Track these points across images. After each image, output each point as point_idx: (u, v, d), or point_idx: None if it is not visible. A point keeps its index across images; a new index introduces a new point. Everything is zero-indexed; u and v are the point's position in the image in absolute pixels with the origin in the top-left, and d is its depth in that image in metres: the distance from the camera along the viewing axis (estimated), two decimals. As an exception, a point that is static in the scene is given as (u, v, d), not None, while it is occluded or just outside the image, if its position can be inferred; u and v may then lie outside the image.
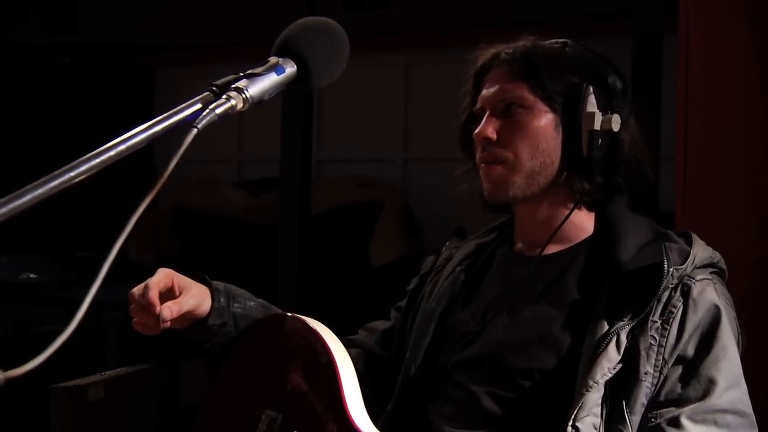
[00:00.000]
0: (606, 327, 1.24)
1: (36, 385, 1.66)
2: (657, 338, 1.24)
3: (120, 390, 2.55)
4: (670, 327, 1.24)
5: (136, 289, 1.31)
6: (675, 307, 1.25)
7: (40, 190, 0.71)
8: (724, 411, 1.21)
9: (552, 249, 1.40)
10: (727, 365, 1.23)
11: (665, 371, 1.23)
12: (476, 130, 1.37)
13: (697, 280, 1.27)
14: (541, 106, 1.35)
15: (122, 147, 0.77)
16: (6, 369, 0.67)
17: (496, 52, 1.40)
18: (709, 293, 1.27)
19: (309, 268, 3.73)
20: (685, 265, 1.26)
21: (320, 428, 1.24)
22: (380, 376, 1.49)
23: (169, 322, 1.30)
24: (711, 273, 1.31)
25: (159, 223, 4.90)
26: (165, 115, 0.83)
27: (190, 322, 1.37)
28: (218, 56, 5.17)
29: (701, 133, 2.02)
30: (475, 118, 1.41)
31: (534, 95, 1.35)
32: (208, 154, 4.25)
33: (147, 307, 1.28)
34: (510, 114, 1.36)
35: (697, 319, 1.25)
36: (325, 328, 1.31)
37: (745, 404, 1.24)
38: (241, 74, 0.93)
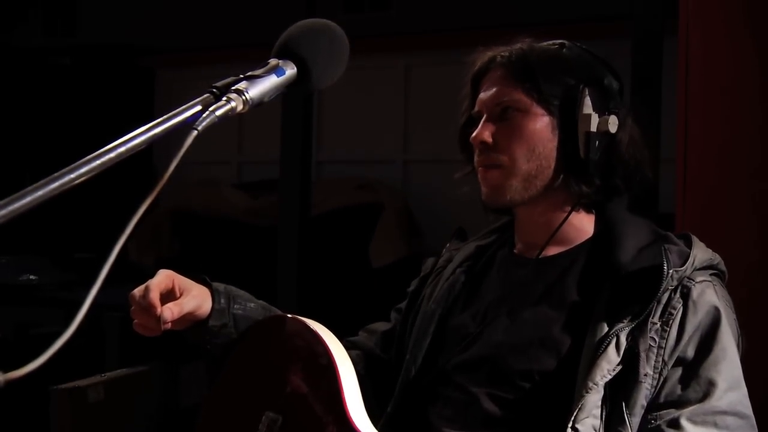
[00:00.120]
0: (606, 329, 1.24)
1: (36, 387, 1.66)
2: (657, 340, 1.24)
3: (120, 391, 2.55)
4: (670, 329, 1.24)
5: (137, 291, 1.31)
6: (675, 308, 1.25)
7: (40, 192, 0.71)
8: (724, 413, 1.21)
9: (552, 251, 1.40)
10: (727, 367, 1.23)
11: (665, 373, 1.23)
12: (473, 134, 1.38)
13: (696, 282, 1.27)
14: (537, 109, 1.35)
15: (122, 149, 0.77)
16: (6, 370, 0.67)
17: (493, 55, 1.40)
18: (708, 295, 1.27)
19: (309, 270, 3.73)
20: (684, 266, 1.26)
21: (320, 430, 1.24)
22: (380, 377, 1.49)
23: (169, 324, 1.30)
24: (711, 275, 1.31)
25: (159, 225, 4.90)
26: (165, 116, 0.83)
27: (190, 323, 1.37)
28: (218, 58, 5.18)
29: (701, 135, 2.02)
30: (473, 121, 1.41)
31: (530, 98, 1.35)
32: (208, 155, 4.26)
33: (147, 308, 1.28)
34: (506, 117, 1.36)
35: (696, 320, 1.25)
36: (326, 329, 1.31)
37: (745, 406, 1.24)
38: (241, 76, 0.93)
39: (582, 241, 1.40)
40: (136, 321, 1.32)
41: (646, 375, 1.23)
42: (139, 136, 0.80)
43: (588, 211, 1.41)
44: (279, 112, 3.77)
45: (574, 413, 1.21)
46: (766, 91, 1.97)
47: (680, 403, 1.22)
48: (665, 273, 1.24)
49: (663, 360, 1.23)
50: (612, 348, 1.22)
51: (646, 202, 1.93)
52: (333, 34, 1.03)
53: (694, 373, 1.23)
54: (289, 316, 1.38)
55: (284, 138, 3.77)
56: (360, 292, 4.24)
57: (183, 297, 1.33)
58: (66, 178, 0.73)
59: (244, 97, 0.90)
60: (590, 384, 1.21)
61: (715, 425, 1.21)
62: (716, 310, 1.26)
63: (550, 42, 1.41)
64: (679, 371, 1.24)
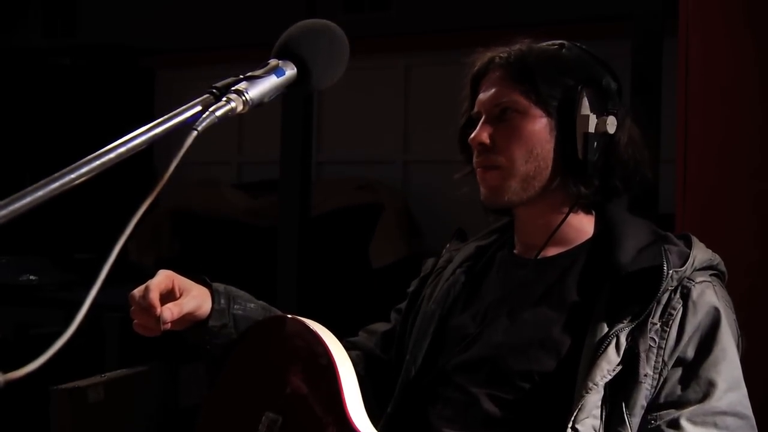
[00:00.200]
0: (605, 329, 1.24)
1: (36, 387, 1.66)
2: (656, 340, 1.24)
3: (120, 392, 2.55)
4: (670, 329, 1.24)
5: (137, 291, 1.31)
6: (674, 309, 1.25)
7: (40, 192, 0.71)
8: (724, 413, 1.21)
9: (552, 251, 1.40)
10: (727, 367, 1.23)
11: (665, 373, 1.23)
12: (471, 136, 1.38)
13: (696, 283, 1.27)
14: (535, 110, 1.35)
15: (122, 149, 0.78)
16: (6, 371, 0.67)
17: (492, 56, 1.40)
18: (708, 295, 1.27)
19: (309, 270, 3.73)
20: (684, 267, 1.27)
21: (320, 430, 1.24)
22: (380, 378, 1.49)
23: (169, 324, 1.30)
24: (711, 275, 1.31)
25: (159, 225, 4.90)
26: (165, 117, 0.83)
27: (190, 323, 1.37)
28: (218, 58, 5.18)
29: (701, 136, 2.02)
30: (473, 122, 1.41)
31: (528, 100, 1.35)
32: (208, 156, 4.25)
33: (147, 308, 1.28)
34: (504, 119, 1.36)
35: (696, 321, 1.25)
36: (325, 329, 1.31)
37: (745, 406, 1.24)
38: (241, 76, 0.93)
39: (582, 242, 1.40)
40: (135, 321, 1.32)
41: (646, 375, 1.23)
42: (139, 137, 0.80)
43: (587, 211, 1.41)
44: (279, 113, 3.77)
45: (574, 413, 1.21)
46: (766, 91, 1.97)
47: (680, 404, 1.22)
48: (665, 273, 1.24)
49: (663, 360, 1.23)
50: (612, 348, 1.23)
51: (646, 203, 1.93)
52: (333, 34, 1.03)
53: (694, 374, 1.23)
54: (289, 316, 1.38)
55: (284, 138, 3.77)
56: (360, 293, 4.24)
57: (183, 297, 1.33)
58: (66, 179, 0.73)
59: (244, 98, 0.90)
60: (590, 384, 1.21)
61: (715, 425, 1.21)
62: (716, 310, 1.26)
63: (550, 42, 1.41)
64: (679, 372, 1.24)
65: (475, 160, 1.39)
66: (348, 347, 1.39)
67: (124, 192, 3.11)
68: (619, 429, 1.21)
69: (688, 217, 2.01)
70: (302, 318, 1.34)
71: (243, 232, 4.75)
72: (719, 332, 1.24)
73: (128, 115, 5.36)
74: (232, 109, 0.89)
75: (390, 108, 5.20)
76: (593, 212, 1.41)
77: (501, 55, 1.39)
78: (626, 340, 1.23)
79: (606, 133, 1.34)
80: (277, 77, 0.95)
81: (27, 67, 5.54)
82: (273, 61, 0.97)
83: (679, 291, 1.26)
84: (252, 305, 1.44)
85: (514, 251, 1.46)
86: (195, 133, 0.84)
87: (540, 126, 1.35)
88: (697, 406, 1.21)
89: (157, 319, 1.28)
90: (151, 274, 1.32)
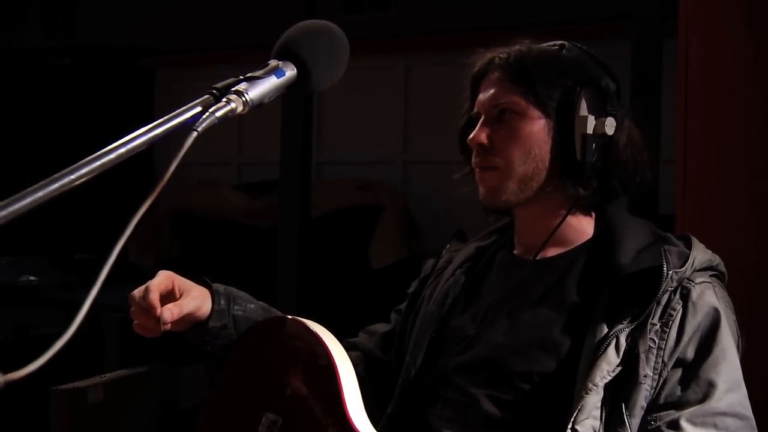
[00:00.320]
0: (605, 330, 1.24)
1: (36, 388, 1.66)
2: (656, 341, 1.24)
3: (120, 392, 2.55)
4: (670, 330, 1.24)
5: (137, 292, 1.31)
6: (674, 310, 1.25)
7: (40, 193, 0.71)
8: (724, 414, 1.21)
9: (552, 252, 1.40)
10: (727, 368, 1.23)
11: (665, 374, 1.23)
12: (470, 136, 1.38)
13: (696, 283, 1.27)
14: (534, 111, 1.35)
15: (122, 150, 0.78)
16: (6, 372, 0.67)
17: (491, 57, 1.41)
18: (708, 296, 1.27)
19: (309, 271, 3.73)
20: (684, 268, 1.26)
21: (320, 431, 1.24)
22: (380, 378, 1.49)
23: (169, 325, 1.30)
24: (710, 276, 1.31)
25: (159, 226, 4.90)
26: (165, 118, 0.83)
27: (190, 324, 1.37)
28: (218, 59, 5.18)
29: (701, 136, 2.02)
30: (473, 122, 1.41)
31: (526, 101, 1.35)
32: (208, 156, 4.25)
33: (147, 309, 1.28)
34: (503, 120, 1.36)
35: (696, 322, 1.25)
36: (325, 330, 1.31)
37: (745, 407, 1.24)
38: (241, 77, 0.93)
39: (581, 243, 1.40)
40: (135, 322, 1.32)
41: (645, 376, 1.23)
42: (139, 137, 0.80)
43: (587, 212, 1.41)
44: (279, 113, 3.77)
45: (574, 414, 1.21)
46: (766, 91, 1.97)
47: (680, 405, 1.22)
48: (665, 274, 1.24)
49: (663, 361, 1.23)
50: (612, 349, 1.23)
51: (645, 203, 1.93)
52: (333, 35, 1.03)
53: (693, 375, 1.23)
54: (289, 317, 1.38)
55: (284, 139, 3.77)
56: (360, 293, 4.24)
57: (183, 298, 1.33)
58: (66, 179, 0.73)
59: (244, 99, 0.90)
60: (590, 385, 1.21)
61: (715, 426, 1.21)
62: (716, 311, 1.26)
63: (550, 43, 1.41)
64: (678, 372, 1.24)
65: (473, 160, 1.39)
66: (348, 348, 1.39)
67: (124, 193, 3.11)
68: (618, 430, 1.21)
69: (688, 218, 2.01)
70: (302, 319, 1.34)
71: (243, 233, 4.75)
72: (719, 333, 1.24)
73: (128, 115, 5.36)
74: (232, 110, 0.89)
75: (390, 109, 5.20)
76: (593, 213, 1.41)
77: (500, 55, 1.39)
78: (626, 340, 1.23)
79: (604, 134, 1.34)
80: (277, 78, 0.95)
81: (27, 67, 5.54)
82: (273, 62, 0.97)
83: (678, 292, 1.26)
84: (252, 306, 1.44)
85: (514, 252, 1.46)
86: (195, 133, 0.84)
87: (538, 127, 1.35)
88: (697, 406, 1.21)
89: (157, 319, 1.28)
90: (151, 275, 1.33)
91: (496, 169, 1.36)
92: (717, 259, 1.34)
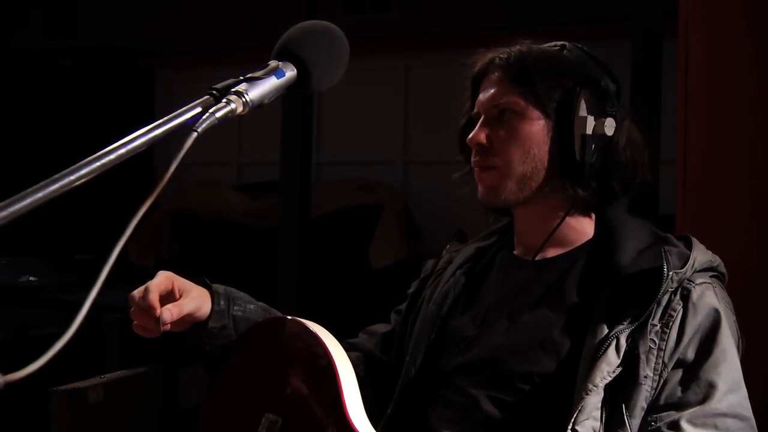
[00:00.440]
0: (606, 331, 1.24)
1: (36, 388, 1.66)
2: (657, 342, 1.24)
3: (119, 393, 2.55)
4: (670, 330, 1.24)
5: (137, 292, 1.31)
6: (675, 310, 1.25)
7: (40, 194, 0.71)
8: (724, 415, 1.21)
9: (552, 253, 1.40)
10: (727, 369, 1.23)
11: (665, 375, 1.23)
12: (469, 136, 1.38)
13: (696, 284, 1.27)
14: (533, 112, 1.35)
15: (122, 150, 0.77)
16: (6, 372, 0.67)
17: (492, 57, 1.41)
18: (708, 297, 1.27)
19: (309, 271, 3.73)
20: (684, 268, 1.26)
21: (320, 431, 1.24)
22: (380, 379, 1.49)
23: (169, 325, 1.30)
24: (711, 277, 1.31)
25: (159, 226, 4.90)
26: (165, 118, 0.83)
27: (190, 325, 1.37)
28: (218, 59, 5.18)
29: (701, 136, 2.02)
30: (473, 122, 1.41)
31: (526, 101, 1.35)
32: (207, 157, 4.25)
33: (147, 309, 1.28)
34: (503, 120, 1.36)
35: (696, 322, 1.25)
36: (325, 331, 1.31)
37: (745, 408, 1.24)
38: (241, 78, 0.93)
39: (581, 243, 1.40)
40: (135, 322, 1.32)
41: (646, 377, 1.23)
42: (139, 138, 0.80)
43: (587, 213, 1.41)
44: (279, 114, 3.77)
45: (574, 415, 1.21)
46: (766, 91, 1.97)
47: (680, 405, 1.22)
48: (665, 275, 1.24)
49: (663, 362, 1.23)
50: (612, 350, 1.22)
51: (645, 204, 1.93)
52: (333, 35, 1.03)
53: (694, 375, 1.23)
54: (289, 317, 1.38)
55: (284, 139, 3.77)
56: (360, 294, 4.24)
57: (182, 298, 1.33)
58: (66, 180, 0.73)
59: (243, 99, 0.90)
60: (590, 386, 1.21)
61: (715, 427, 1.21)
62: (716, 312, 1.26)
63: (551, 44, 1.41)
64: (679, 373, 1.24)
65: (472, 160, 1.40)
66: (348, 348, 1.39)
67: (124, 193, 3.11)
68: (618, 430, 1.21)
69: (688, 218, 2.01)
70: (302, 319, 1.34)
71: (243, 234, 4.75)
72: (719, 334, 1.24)
73: (128, 116, 5.36)
74: (232, 111, 0.89)
75: (390, 109, 5.20)
76: (593, 214, 1.41)
77: (501, 56, 1.39)
78: (626, 341, 1.23)
79: (604, 135, 1.34)
80: (277, 78, 0.95)
81: (27, 68, 5.54)
82: (273, 63, 0.97)
83: (679, 292, 1.26)
84: (252, 306, 1.44)
85: (514, 252, 1.46)
86: (195, 134, 0.84)
87: (537, 127, 1.35)
88: (698, 407, 1.21)
89: (157, 320, 1.28)
90: (151, 275, 1.32)
91: (495, 168, 1.36)
92: (717, 260, 1.34)
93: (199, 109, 0.86)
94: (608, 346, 1.22)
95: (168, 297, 1.32)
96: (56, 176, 0.72)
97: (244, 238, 4.73)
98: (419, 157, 5.09)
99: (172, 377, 2.81)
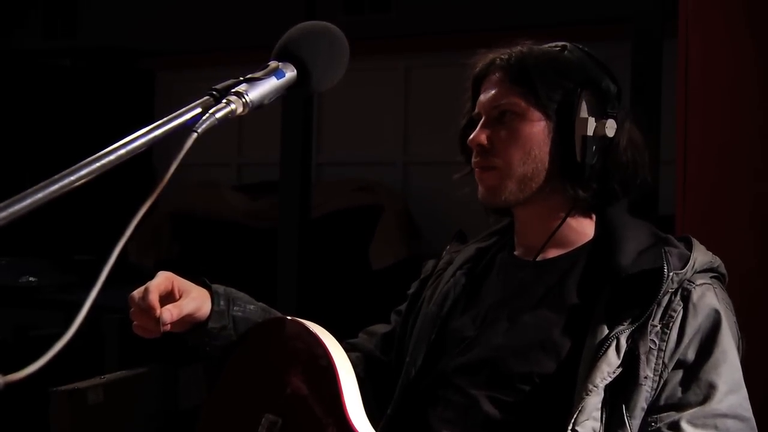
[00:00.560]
0: (606, 331, 1.24)
1: (35, 389, 1.66)
2: (657, 342, 1.24)
3: (119, 393, 2.55)
4: (670, 331, 1.24)
5: (136, 292, 1.31)
6: (675, 311, 1.25)
7: (40, 194, 0.71)
8: (725, 416, 1.21)
9: (552, 253, 1.40)
10: (728, 370, 1.23)
11: (665, 375, 1.23)
12: (470, 137, 1.38)
13: (697, 285, 1.27)
14: (534, 112, 1.35)
15: (122, 151, 0.77)
16: (6, 373, 0.67)
17: (493, 58, 1.41)
18: (709, 298, 1.27)
19: (309, 272, 3.73)
20: (685, 269, 1.26)
21: (320, 432, 1.24)
22: (380, 379, 1.49)
23: (169, 325, 1.30)
24: (711, 277, 1.31)
25: (159, 227, 4.90)
26: (165, 119, 0.83)
27: (189, 325, 1.37)
28: (218, 60, 5.18)
29: (701, 137, 2.02)
30: (474, 123, 1.41)
31: (527, 102, 1.35)
32: (207, 157, 4.24)
33: (147, 310, 1.28)
34: (503, 121, 1.36)
35: (697, 323, 1.25)
36: (325, 331, 1.31)
37: (746, 409, 1.24)
38: (241, 78, 0.93)
39: (582, 244, 1.40)
40: (135, 323, 1.32)
41: (646, 377, 1.23)
42: (138, 138, 0.80)
43: (587, 214, 1.41)
44: (279, 114, 3.77)
45: (574, 416, 1.21)
46: (766, 91, 1.97)
47: (680, 406, 1.22)
48: (665, 276, 1.24)
49: (663, 363, 1.23)
50: (612, 350, 1.22)
51: (646, 204, 1.93)
52: (333, 36, 1.03)
53: (694, 376, 1.23)
54: (289, 318, 1.38)
55: (284, 140, 3.77)
56: (360, 294, 4.24)
57: (182, 299, 1.34)
58: (66, 181, 0.73)
59: (243, 100, 0.90)
60: (590, 386, 1.21)
61: (716, 428, 1.21)
62: (716, 312, 1.26)
63: (552, 44, 1.41)
64: (679, 374, 1.24)
65: (473, 160, 1.40)
66: (348, 349, 1.39)
67: (124, 194, 3.11)
68: (618, 431, 1.21)
69: (688, 219, 2.01)
70: (302, 320, 1.34)
71: (243, 234, 4.75)
72: (720, 334, 1.24)
73: (128, 116, 5.35)
74: (232, 111, 0.89)
75: (390, 109, 5.19)
76: (593, 214, 1.41)
77: (502, 56, 1.39)
78: (626, 342, 1.23)
79: (605, 136, 1.34)
80: (277, 79, 0.95)
81: (27, 68, 5.54)
82: (273, 63, 0.97)
83: (679, 293, 1.26)
84: (252, 307, 1.44)
85: (515, 253, 1.46)
86: (195, 134, 0.84)
87: (538, 129, 1.35)
88: (698, 408, 1.21)
89: (157, 320, 1.28)
90: (151, 276, 1.33)
91: (495, 169, 1.37)
92: (717, 261, 1.34)
93: (199, 110, 0.86)
94: (608, 347, 1.23)
95: (168, 297, 1.33)
96: (56, 177, 0.72)
97: (244, 239, 4.73)
98: (419, 157, 5.08)
99: (172, 377, 2.81)
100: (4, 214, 0.68)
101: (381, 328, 1.58)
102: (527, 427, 1.28)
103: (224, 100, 0.89)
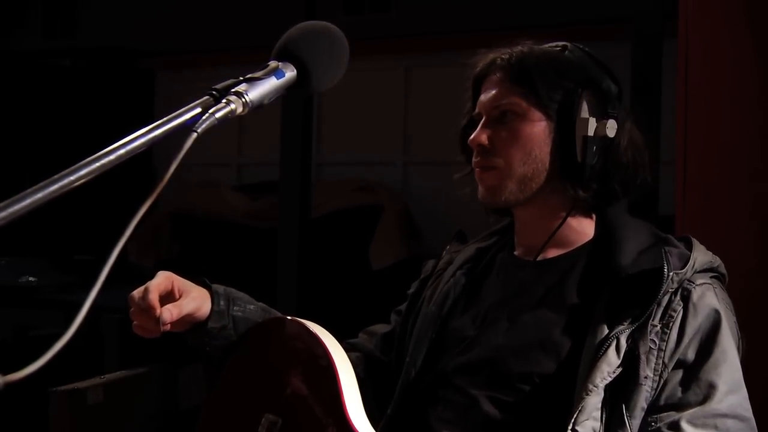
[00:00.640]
0: (606, 331, 1.24)
1: (35, 389, 1.66)
2: (657, 342, 1.24)
3: (119, 393, 2.55)
4: (670, 331, 1.24)
5: (136, 292, 1.31)
6: (675, 311, 1.25)
7: (40, 194, 0.71)
8: (724, 416, 1.21)
9: (552, 253, 1.40)
10: (728, 370, 1.23)
11: (665, 375, 1.23)
12: (471, 137, 1.38)
13: (697, 285, 1.27)
14: (535, 112, 1.35)
15: (122, 151, 0.77)
16: (5, 373, 0.67)
17: (493, 58, 1.41)
18: (709, 298, 1.27)
19: (309, 272, 3.73)
20: (685, 269, 1.26)
21: (320, 432, 1.24)
22: (380, 379, 1.49)
23: (168, 325, 1.30)
24: (711, 277, 1.31)
25: (159, 227, 4.89)
26: (165, 119, 0.83)
27: (189, 325, 1.37)
28: (218, 60, 5.18)
29: (701, 137, 2.02)
30: (474, 122, 1.41)
31: (527, 102, 1.35)
32: (207, 157, 4.25)
33: (147, 309, 1.28)
34: (504, 121, 1.36)
35: (697, 323, 1.25)
36: (325, 331, 1.31)
37: (745, 409, 1.24)
38: (241, 78, 0.93)
39: (582, 244, 1.40)
40: (135, 322, 1.32)
41: (646, 377, 1.23)
42: (138, 138, 0.80)
43: (587, 214, 1.41)
44: (279, 114, 3.77)
45: (574, 415, 1.21)
46: (766, 91, 1.97)
47: (680, 406, 1.22)
48: (665, 275, 1.24)
49: (663, 362, 1.23)
50: (612, 350, 1.22)
51: (645, 204, 1.93)
52: (333, 36, 1.03)
53: (694, 376, 1.23)
54: (289, 318, 1.38)
55: (284, 140, 3.77)
56: (360, 294, 4.24)
57: (182, 299, 1.34)
58: (66, 181, 0.73)
59: (243, 100, 0.90)
60: (590, 386, 1.21)
61: (716, 428, 1.21)
62: (716, 312, 1.26)
63: (552, 44, 1.41)
64: (679, 374, 1.24)
65: (473, 160, 1.40)
66: (348, 349, 1.39)
67: (124, 194, 3.11)
68: (619, 431, 1.21)
69: (687, 219, 2.01)
70: (302, 320, 1.34)
71: (243, 234, 4.75)
72: (719, 334, 1.24)
73: (128, 116, 5.35)
74: (232, 111, 0.89)
75: (390, 110, 5.19)
76: (593, 214, 1.41)
77: (502, 56, 1.39)
78: (626, 342, 1.23)
79: (605, 136, 1.34)
80: (277, 79, 0.95)
81: (27, 68, 5.54)
82: (273, 63, 0.97)
83: (679, 293, 1.26)
84: (252, 307, 1.44)
85: (515, 253, 1.46)
86: (195, 134, 0.84)
87: (539, 129, 1.35)
88: (698, 408, 1.21)
89: (157, 320, 1.28)
90: (151, 276, 1.33)
91: (495, 169, 1.37)
92: (717, 261, 1.34)
93: (198, 110, 0.86)
94: (608, 347, 1.23)
95: (168, 297, 1.33)
96: (56, 177, 0.72)
97: (244, 239, 4.73)
98: (419, 157, 5.08)
99: (172, 377, 2.81)
100: (4, 214, 0.68)
101: (381, 328, 1.58)
102: (527, 427, 1.28)
103: (224, 100, 0.89)
